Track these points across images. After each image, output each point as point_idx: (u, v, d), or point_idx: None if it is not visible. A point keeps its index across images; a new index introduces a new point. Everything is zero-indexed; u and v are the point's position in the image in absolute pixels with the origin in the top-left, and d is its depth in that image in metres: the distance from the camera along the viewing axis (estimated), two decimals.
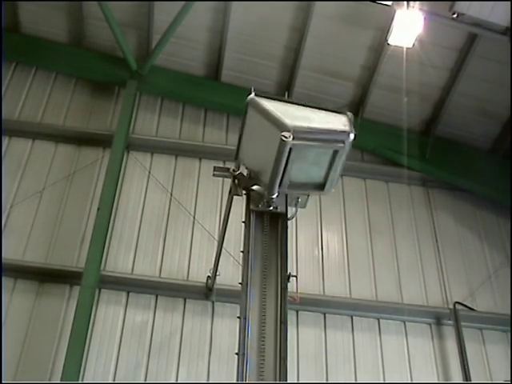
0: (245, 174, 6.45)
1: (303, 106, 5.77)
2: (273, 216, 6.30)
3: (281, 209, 6.26)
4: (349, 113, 5.88)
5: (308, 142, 5.56)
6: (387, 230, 11.40)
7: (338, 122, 5.75)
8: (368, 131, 12.09)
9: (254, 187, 6.22)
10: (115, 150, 10.95)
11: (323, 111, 5.82)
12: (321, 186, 6.06)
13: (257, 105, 5.58)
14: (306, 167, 5.82)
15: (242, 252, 6.12)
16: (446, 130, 12.05)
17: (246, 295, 5.72)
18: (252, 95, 5.59)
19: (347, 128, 5.72)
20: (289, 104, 5.70)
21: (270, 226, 6.26)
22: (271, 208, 6.20)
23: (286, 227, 6.24)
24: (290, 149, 5.49)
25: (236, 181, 6.36)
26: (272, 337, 5.52)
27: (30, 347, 9.28)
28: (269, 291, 5.78)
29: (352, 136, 5.69)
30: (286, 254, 6.09)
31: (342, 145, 5.72)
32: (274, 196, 6.02)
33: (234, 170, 6.39)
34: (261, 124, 5.61)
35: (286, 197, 6.33)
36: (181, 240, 10.65)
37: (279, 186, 5.84)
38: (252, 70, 12.01)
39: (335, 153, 5.77)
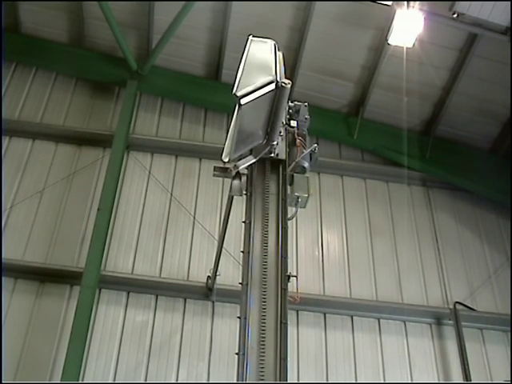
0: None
1: (242, 68, 5.87)
2: (274, 162, 6.44)
3: (281, 156, 6.43)
4: (249, 37, 6.26)
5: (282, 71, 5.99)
6: (387, 230, 11.40)
7: (260, 45, 6.22)
8: (368, 131, 12.13)
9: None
10: (115, 150, 10.95)
11: (246, 55, 6.04)
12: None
13: (246, 95, 5.64)
14: None
15: (242, 252, 6.12)
16: (445, 130, 12.05)
17: (246, 295, 5.70)
18: (236, 94, 5.60)
19: (265, 39, 6.29)
20: (242, 76, 5.77)
21: (271, 172, 6.43)
22: (272, 155, 6.33)
23: (286, 173, 6.43)
24: None
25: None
26: (272, 337, 5.51)
27: (29, 347, 9.28)
28: (269, 291, 5.76)
29: (271, 39, 6.33)
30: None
31: (278, 50, 6.33)
32: (275, 143, 6.19)
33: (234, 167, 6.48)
34: (255, 105, 5.69)
35: (286, 142, 6.58)
36: (181, 240, 10.66)
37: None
38: None
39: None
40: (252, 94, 5.60)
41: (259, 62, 5.95)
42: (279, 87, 5.71)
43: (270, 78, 5.72)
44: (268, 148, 6.25)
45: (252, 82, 5.68)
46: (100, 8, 11.14)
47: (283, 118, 6.22)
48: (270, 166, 6.46)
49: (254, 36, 6.28)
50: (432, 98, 11.80)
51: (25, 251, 10.18)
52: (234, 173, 6.44)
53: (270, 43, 6.28)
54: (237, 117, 5.64)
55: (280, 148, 6.44)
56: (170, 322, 9.82)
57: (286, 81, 5.74)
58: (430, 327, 10.42)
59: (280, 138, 6.36)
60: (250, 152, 6.31)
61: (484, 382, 9.90)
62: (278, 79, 5.73)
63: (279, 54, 6.27)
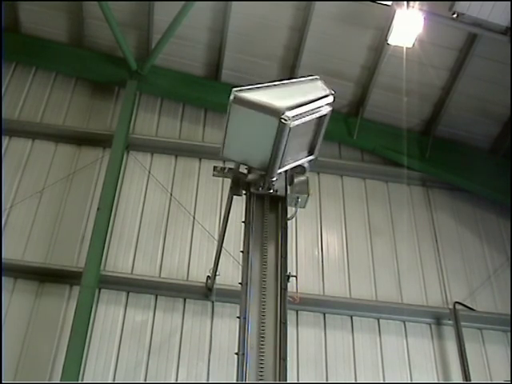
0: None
1: (277, 85, 5.81)
2: (273, 199, 6.37)
3: (281, 192, 6.34)
4: (316, 76, 6.12)
5: (303, 119, 5.65)
6: (387, 230, 11.39)
7: (316, 88, 5.95)
8: (368, 131, 12.13)
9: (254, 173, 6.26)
10: (115, 150, 10.95)
11: (297, 83, 5.97)
12: (309, 153, 6.16)
13: (242, 100, 5.59)
14: (298, 140, 5.88)
15: (242, 252, 6.12)
16: (445, 130, 12.05)
17: (246, 295, 5.72)
18: (234, 92, 5.59)
19: (327, 90, 5.93)
20: (267, 88, 5.72)
21: (270, 209, 6.35)
22: (271, 191, 6.26)
23: (285, 210, 6.32)
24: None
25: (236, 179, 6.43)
26: (272, 337, 5.52)
27: (29, 347, 9.28)
28: (269, 291, 5.78)
29: (332, 95, 5.91)
30: (285, 237, 6.10)
31: (329, 108, 5.85)
32: (274, 179, 6.09)
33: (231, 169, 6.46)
34: (250, 117, 5.63)
35: (286, 180, 6.42)
36: (181, 240, 10.66)
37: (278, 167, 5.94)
38: (252, 70, 12.01)
39: (321, 117, 5.87)
40: (247, 105, 5.54)
41: (292, 94, 5.70)
42: (279, 121, 5.46)
43: (274, 106, 5.53)
44: (266, 185, 6.17)
45: (264, 99, 5.55)
46: (100, 8, 11.14)
47: (282, 156, 5.82)
48: (268, 202, 6.36)
49: (322, 78, 6.00)
50: (432, 98, 11.80)
51: (25, 251, 10.18)
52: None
53: (327, 93, 5.86)
54: (229, 114, 5.60)
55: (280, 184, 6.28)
56: (169, 322, 9.82)
57: (287, 117, 5.45)
58: (430, 327, 10.42)
59: (280, 175, 6.16)
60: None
61: (484, 382, 9.91)
62: (282, 113, 5.45)
63: (327, 108, 5.81)
